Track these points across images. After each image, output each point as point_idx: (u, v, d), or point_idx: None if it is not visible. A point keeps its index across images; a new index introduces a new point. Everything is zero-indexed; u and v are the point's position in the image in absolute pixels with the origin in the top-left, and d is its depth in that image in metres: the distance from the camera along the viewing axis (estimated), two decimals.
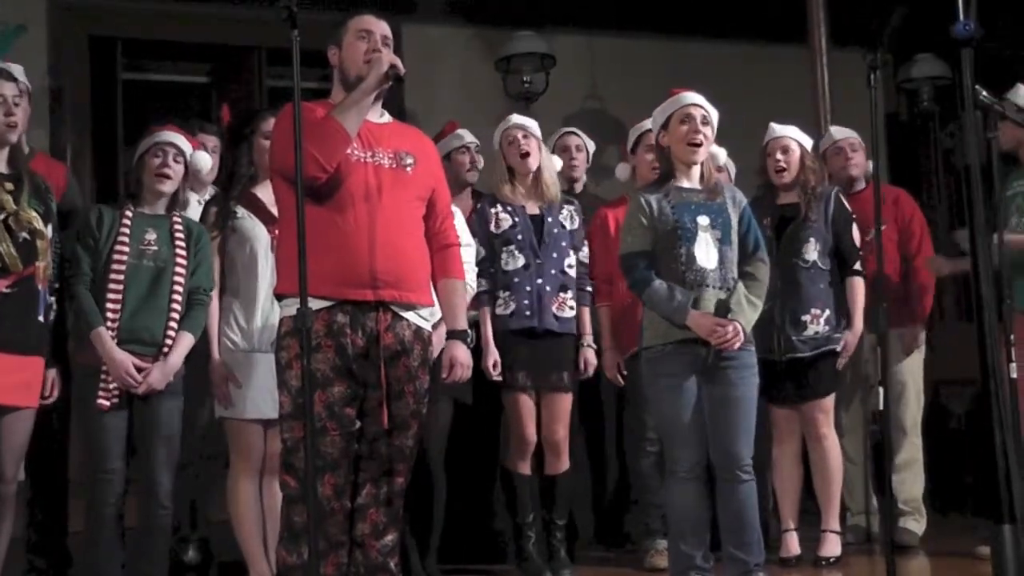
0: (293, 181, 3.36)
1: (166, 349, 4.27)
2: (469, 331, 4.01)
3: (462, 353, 3.90)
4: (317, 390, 3.53)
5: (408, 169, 3.71)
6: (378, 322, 3.60)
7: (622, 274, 4.32)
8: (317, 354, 3.54)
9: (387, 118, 3.84)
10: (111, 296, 4.22)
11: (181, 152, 4.41)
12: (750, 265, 4.25)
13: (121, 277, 4.23)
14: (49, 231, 4.21)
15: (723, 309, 4.10)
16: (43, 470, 4.81)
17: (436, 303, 3.97)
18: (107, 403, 4.18)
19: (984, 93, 2.83)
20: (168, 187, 4.38)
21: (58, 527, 4.95)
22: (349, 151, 3.60)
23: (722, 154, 4.43)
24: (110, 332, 4.19)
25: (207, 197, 5.09)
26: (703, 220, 4.17)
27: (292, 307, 3.53)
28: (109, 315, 4.21)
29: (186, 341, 4.32)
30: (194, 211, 4.80)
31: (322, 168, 3.52)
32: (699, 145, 4.21)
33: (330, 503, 3.60)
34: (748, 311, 4.15)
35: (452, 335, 3.89)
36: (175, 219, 4.40)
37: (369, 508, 3.66)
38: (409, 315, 3.68)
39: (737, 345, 4.10)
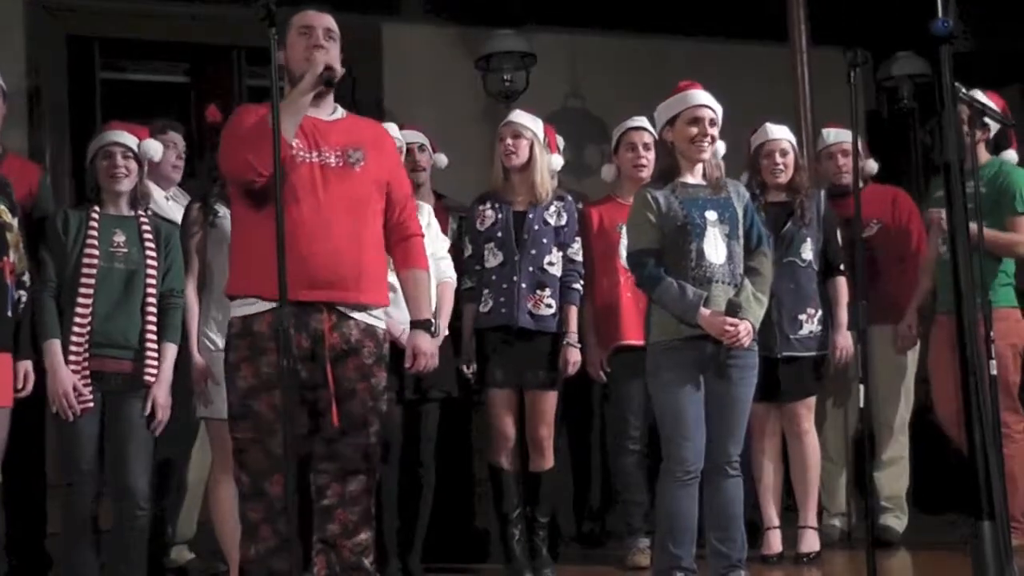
0: (238, 184, 3.50)
1: (150, 359, 4.26)
2: (434, 321, 4.00)
3: (425, 343, 3.90)
4: (264, 393, 3.55)
5: (356, 167, 3.68)
6: (323, 322, 3.57)
7: (630, 270, 4.30)
8: (263, 356, 3.55)
9: (340, 113, 3.81)
10: (81, 301, 4.20)
11: (129, 148, 4.39)
12: (754, 260, 4.25)
13: (91, 281, 4.21)
14: (16, 224, 4.17)
15: (734, 308, 4.10)
16: (20, 470, 4.77)
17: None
18: (75, 414, 4.16)
19: (963, 90, 2.83)
20: (125, 185, 4.37)
21: (36, 528, 4.91)
22: (293, 151, 3.58)
23: (721, 147, 4.44)
24: (82, 337, 4.17)
25: (170, 193, 5.12)
26: (711, 215, 4.16)
27: (241, 308, 3.59)
28: (78, 320, 4.18)
29: (171, 352, 4.33)
30: (166, 209, 4.82)
31: (258, 173, 3.52)
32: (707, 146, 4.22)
33: (282, 502, 3.59)
34: (756, 309, 4.17)
35: (415, 325, 3.89)
36: (142, 219, 4.40)
37: (336, 509, 3.66)
38: (358, 315, 3.66)
39: (747, 343, 4.11)
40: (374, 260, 3.72)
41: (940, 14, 2.57)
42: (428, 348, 3.91)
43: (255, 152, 3.49)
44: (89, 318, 4.20)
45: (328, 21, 3.72)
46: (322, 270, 3.53)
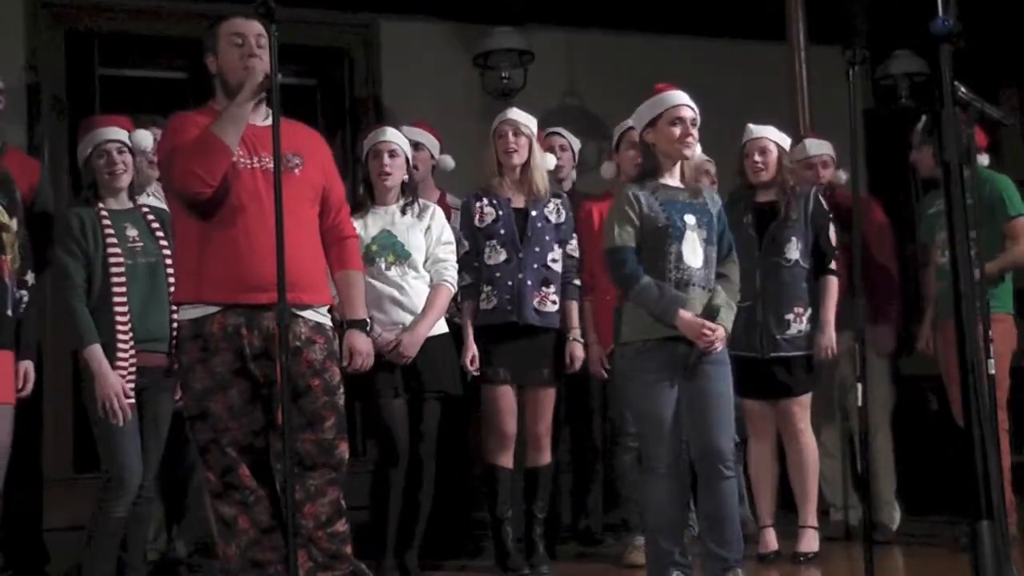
0: (185, 196, 3.57)
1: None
2: (368, 320, 4.03)
3: (361, 342, 3.98)
4: (218, 393, 3.60)
5: (295, 171, 3.71)
6: (273, 321, 3.56)
7: (607, 267, 4.29)
8: (215, 357, 3.60)
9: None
10: (117, 300, 4.23)
11: (122, 143, 4.44)
12: (724, 267, 4.26)
13: (123, 280, 4.26)
14: (14, 224, 4.17)
15: (712, 312, 4.10)
16: (16, 466, 4.76)
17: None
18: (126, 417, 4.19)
19: (962, 89, 2.83)
20: (124, 180, 4.43)
21: (32, 524, 4.91)
22: (234, 158, 3.61)
23: (698, 150, 4.44)
24: (126, 334, 4.20)
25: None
26: (691, 219, 4.16)
27: (190, 312, 3.63)
28: (119, 319, 4.22)
29: None
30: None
31: (206, 184, 3.55)
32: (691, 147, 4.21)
33: (253, 493, 3.64)
34: (730, 315, 4.18)
35: (351, 324, 3.94)
36: (144, 210, 4.44)
37: (304, 504, 3.67)
38: (306, 313, 3.69)
39: (720, 348, 4.12)
40: (317, 260, 3.77)
41: (940, 12, 2.56)
42: (364, 347, 3.99)
43: (201, 164, 3.53)
44: (128, 315, 4.24)
45: (258, 28, 3.69)
46: (269, 274, 3.43)
